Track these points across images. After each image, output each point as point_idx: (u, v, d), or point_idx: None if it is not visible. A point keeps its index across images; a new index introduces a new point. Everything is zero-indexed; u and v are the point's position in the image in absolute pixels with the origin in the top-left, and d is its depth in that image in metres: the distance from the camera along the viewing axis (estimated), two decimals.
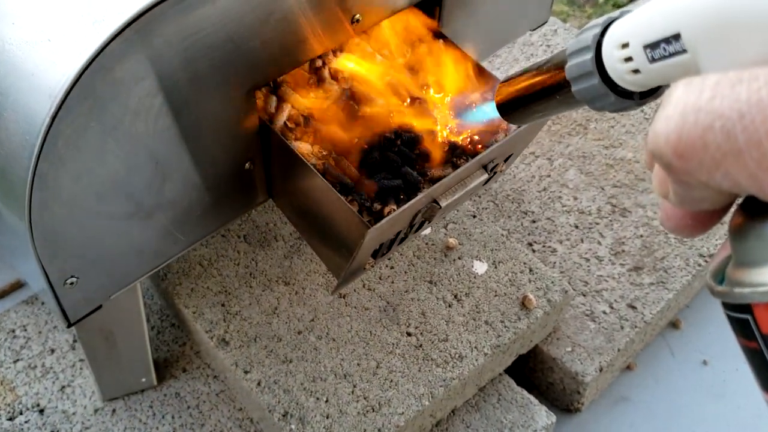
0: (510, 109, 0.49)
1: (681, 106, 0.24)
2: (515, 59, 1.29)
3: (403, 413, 0.77)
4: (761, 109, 0.22)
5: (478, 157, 0.66)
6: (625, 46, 0.34)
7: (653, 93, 0.37)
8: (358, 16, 0.66)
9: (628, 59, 0.34)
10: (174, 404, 0.84)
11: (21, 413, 0.83)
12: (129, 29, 0.50)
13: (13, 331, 0.91)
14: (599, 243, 1.02)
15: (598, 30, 0.37)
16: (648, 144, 0.26)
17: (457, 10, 0.78)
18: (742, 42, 0.26)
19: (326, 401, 0.77)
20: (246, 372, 0.79)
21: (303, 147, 0.67)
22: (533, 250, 1.01)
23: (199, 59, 0.56)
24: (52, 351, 0.89)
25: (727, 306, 0.27)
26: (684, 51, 0.29)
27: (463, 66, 0.74)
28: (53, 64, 0.50)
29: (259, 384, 0.78)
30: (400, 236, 0.70)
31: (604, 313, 0.94)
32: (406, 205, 0.62)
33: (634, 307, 0.95)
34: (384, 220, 0.61)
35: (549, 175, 1.11)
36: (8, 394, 0.84)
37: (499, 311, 0.86)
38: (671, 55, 0.30)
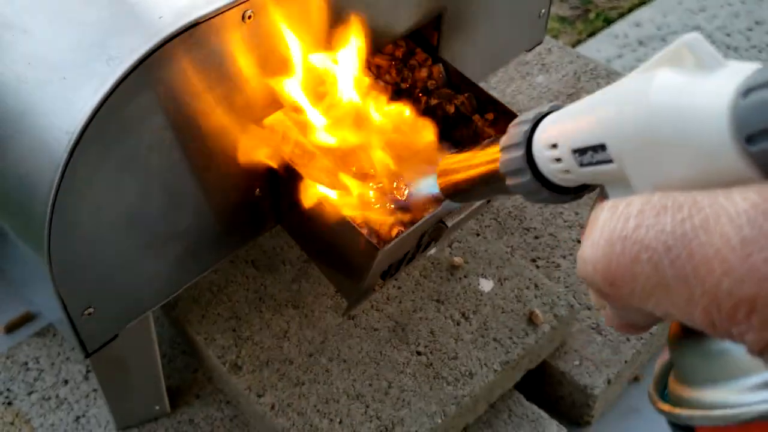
0: (451, 191, 0.48)
1: (607, 234, 0.24)
2: (511, 78, 1.32)
3: None
4: (686, 243, 0.22)
5: None
6: (554, 146, 0.33)
7: (589, 187, 0.35)
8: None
9: (558, 160, 0.33)
10: (188, 431, 0.85)
11: None
12: (142, 66, 0.51)
13: (26, 363, 0.92)
14: None
15: (528, 126, 0.36)
16: (577, 268, 0.26)
17: (454, 35, 0.80)
18: (666, 161, 0.25)
19: (340, 422, 0.78)
20: (259, 396, 0.80)
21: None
22: (537, 266, 1.03)
23: (209, 92, 0.57)
24: (66, 382, 0.89)
25: (670, 423, 0.27)
26: (610, 161, 0.28)
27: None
28: (69, 101, 0.52)
29: (272, 407, 0.79)
30: (408, 257, 0.71)
31: None
32: (414, 226, 0.63)
33: None
34: (393, 242, 0.62)
35: None
36: (24, 427, 0.85)
37: (507, 328, 0.87)
38: (598, 162, 0.29)
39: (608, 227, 0.24)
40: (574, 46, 1.64)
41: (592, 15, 1.75)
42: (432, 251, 0.95)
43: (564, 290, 0.93)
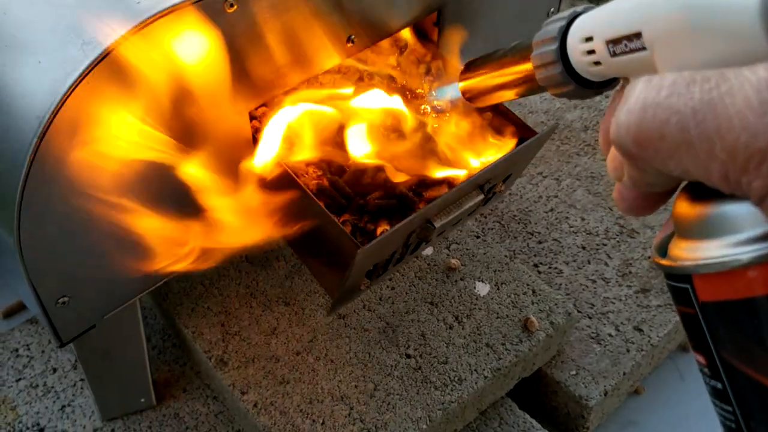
0: (475, 92, 0.51)
1: (641, 102, 0.27)
2: None
3: None
4: (712, 107, 0.25)
5: (472, 178, 0.65)
6: (588, 39, 0.37)
7: (610, 83, 0.40)
8: (353, 36, 0.67)
9: (591, 52, 0.37)
10: (173, 425, 0.84)
11: None
12: (116, 52, 0.50)
13: (17, 350, 0.91)
14: (606, 264, 1.00)
15: (563, 23, 0.40)
16: (611, 133, 0.29)
17: (456, 31, 0.78)
18: (697, 47, 0.28)
19: (322, 424, 0.76)
20: (243, 393, 0.79)
21: (297, 168, 0.67)
22: (539, 272, 1.00)
23: (191, 82, 0.56)
24: (54, 370, 0.89)
25: (669, 276, 0.30)
26: (643, 48, 0.32)
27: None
28: (41, 86, 0.51)
29: (255, 405, 0.78)
30: (396, 257, 0.69)
31: (610, 335, 0.93)
32: (398, 225, 0.62)
33: (640, 330, 0.93)
34: (375, 241, 0.60)
35: (556, 196, 1.10)
36: (9, 413, 0.85)
37: (501, 333, 0.85)
38: (631, 51, 0.33)
39: (642, 95, 0.27)
40: None
41: None
42: (427, 251, 0.93)
43: (563, 297, 0.90)
